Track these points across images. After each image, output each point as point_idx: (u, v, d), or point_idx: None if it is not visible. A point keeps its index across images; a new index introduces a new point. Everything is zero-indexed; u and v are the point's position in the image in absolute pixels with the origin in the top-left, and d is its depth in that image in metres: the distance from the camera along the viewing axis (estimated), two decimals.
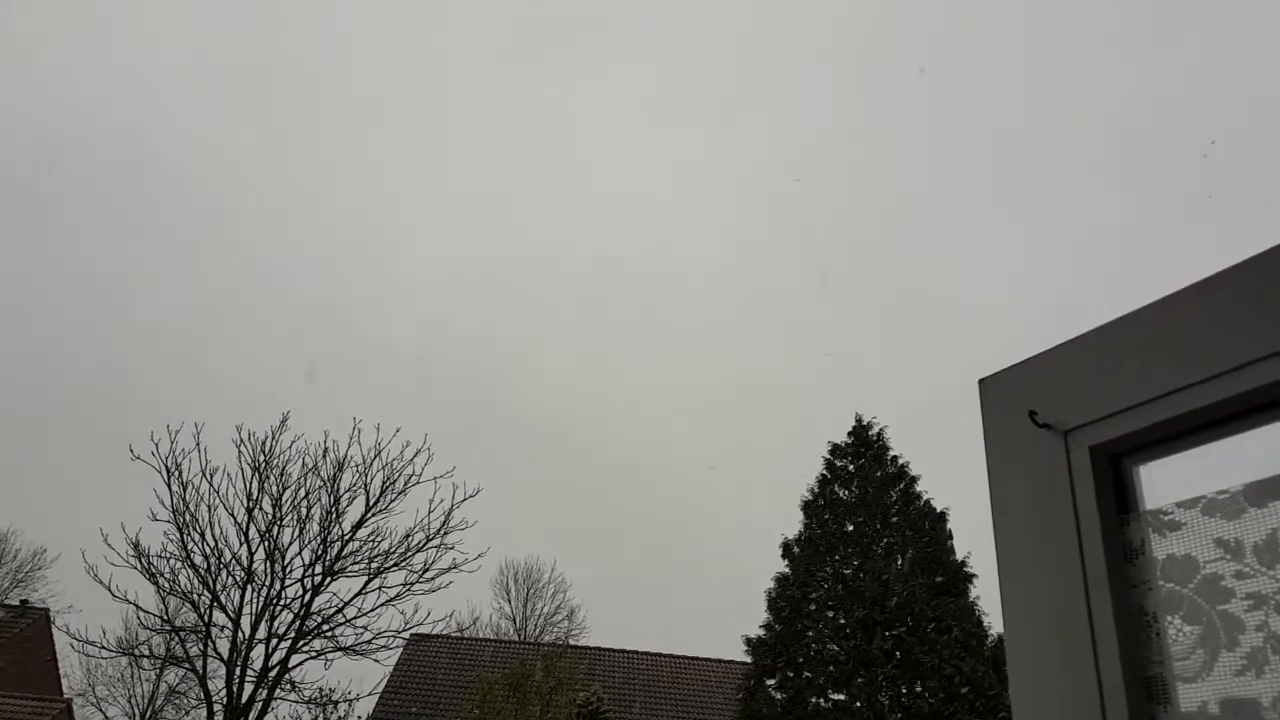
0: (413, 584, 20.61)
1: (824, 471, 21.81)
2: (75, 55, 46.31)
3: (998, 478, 1.58)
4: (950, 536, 20.50)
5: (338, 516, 20.76)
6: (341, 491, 20.82)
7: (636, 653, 32.69)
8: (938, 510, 20.82)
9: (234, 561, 20.11)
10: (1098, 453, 1.45)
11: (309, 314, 50.79)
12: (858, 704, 18.91)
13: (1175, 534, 1.34)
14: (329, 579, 20.54)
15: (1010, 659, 1.47)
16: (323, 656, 20.29)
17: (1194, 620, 1.29)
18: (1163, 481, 1.41)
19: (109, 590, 19.10)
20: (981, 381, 1.66)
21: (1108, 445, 1.44)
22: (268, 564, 20.32)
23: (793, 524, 21.63)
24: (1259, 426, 1.31)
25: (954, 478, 21.94)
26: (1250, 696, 1.22)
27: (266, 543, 20.34)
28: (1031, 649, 1.44)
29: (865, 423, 22.24)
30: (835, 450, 22.04)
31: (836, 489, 21.53)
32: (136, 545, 19.53)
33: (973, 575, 20.03)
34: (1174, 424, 1.37)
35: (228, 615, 19.99)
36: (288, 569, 20.39)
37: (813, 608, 20.08)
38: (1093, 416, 1.46)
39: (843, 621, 19.79)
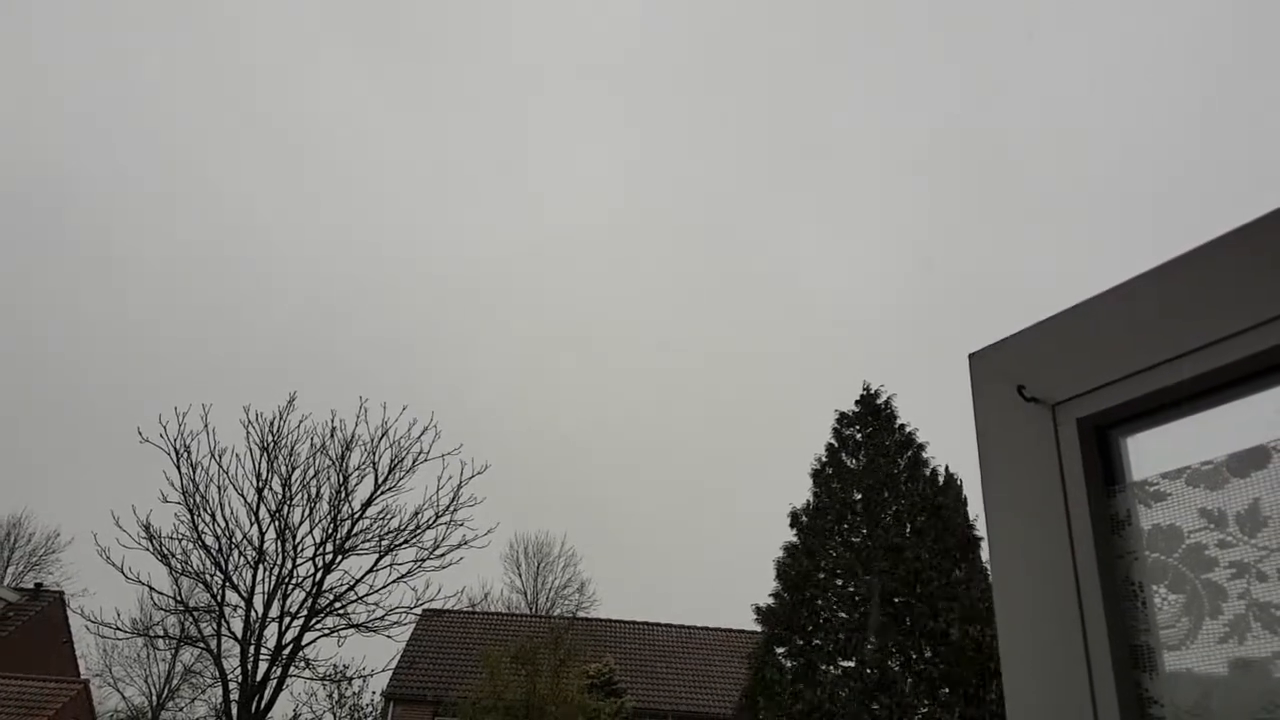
0: (423, 560, 20.79)
1: (832, 440, 21.82)
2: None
3: (987, 451, 1.59)
4: (961, 503, 20.54)
5: (347, 495, 20.90)
6: (350, 470, 20.96)
7: (647, 624, 32.91)
8: (945, 476, 20.85)
9: (245, 541, 20.28)
10: (1085, 425, 1.46)
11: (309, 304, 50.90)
12: (868, 670, 19.03)
13: (1161, 504, 1.36)
14: (340, 557, 20.70)
15: (1000, 629, 1.49)
16: (335, 634, 20.49)
17: (1179, 589, 1.30)
18: (1149, 453, 1.42)
19: (121, 572, 19.31)
20: (971, 356, 1.67)
21: (1095, 418, 1.45)
22: (278, 543, 20.48)
23: (801, 493, 21.70)
24: (1242, 398, 1.32)
25: (960, 442, 21.93)
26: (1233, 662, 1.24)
27: (277, 522, 20.48)
28: (1021, 619, 1.47)
29: (873, 391, 22.21)
30: (843, 419, 22.03)
31: (844, 458, 21.55)
32: (148, 527, 19.71)
33: (979, 539, 20.08)
34: (1160, 396, 1.38)
35: (240, 595, 20.18)
36: (299, 548, 20.55)
37: (822, 576, 20.17)
38: (1080, 389, 1.47)
39: (852, 589, 19.89)
